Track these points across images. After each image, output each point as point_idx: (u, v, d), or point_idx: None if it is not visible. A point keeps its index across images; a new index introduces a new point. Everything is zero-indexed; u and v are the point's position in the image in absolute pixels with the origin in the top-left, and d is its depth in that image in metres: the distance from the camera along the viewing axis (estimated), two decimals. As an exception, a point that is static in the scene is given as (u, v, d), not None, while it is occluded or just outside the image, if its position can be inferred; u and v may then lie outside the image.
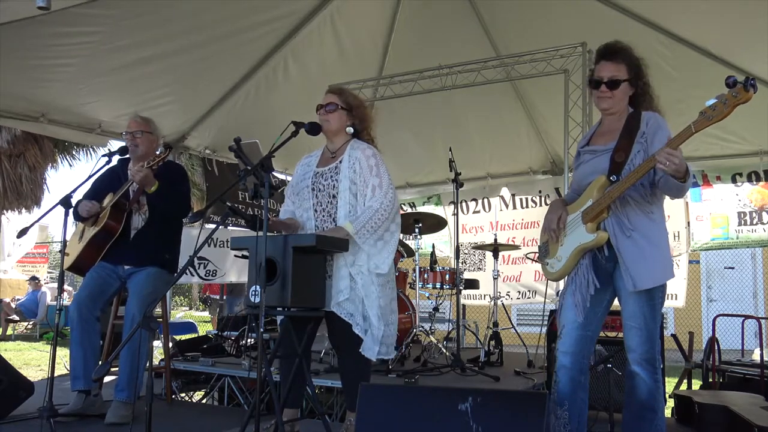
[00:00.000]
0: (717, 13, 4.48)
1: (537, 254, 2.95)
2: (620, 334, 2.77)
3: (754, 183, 6.08)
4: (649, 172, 2.39)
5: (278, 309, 2.72)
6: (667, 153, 2.19)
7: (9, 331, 11.93)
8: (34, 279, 12.92)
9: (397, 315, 3.06)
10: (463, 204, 7.35)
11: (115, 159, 3.68)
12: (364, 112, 3.10)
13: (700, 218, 6.39)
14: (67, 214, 3.28)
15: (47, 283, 14.48)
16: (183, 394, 4.52)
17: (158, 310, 4.29)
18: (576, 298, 2.56)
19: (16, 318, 12.06)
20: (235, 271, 6.53)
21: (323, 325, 3.10)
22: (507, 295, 7.00)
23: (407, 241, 6.44)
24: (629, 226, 2.47)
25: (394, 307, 3.03)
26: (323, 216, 2.98)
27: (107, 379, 3.86)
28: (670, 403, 4.11)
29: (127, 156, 3.66)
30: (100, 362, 3.50)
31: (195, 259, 2.99)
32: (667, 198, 2.57)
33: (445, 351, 4.64)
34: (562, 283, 5.35)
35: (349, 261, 2.88)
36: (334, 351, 4.01)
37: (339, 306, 2.87)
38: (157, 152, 3.70)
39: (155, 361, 4.64)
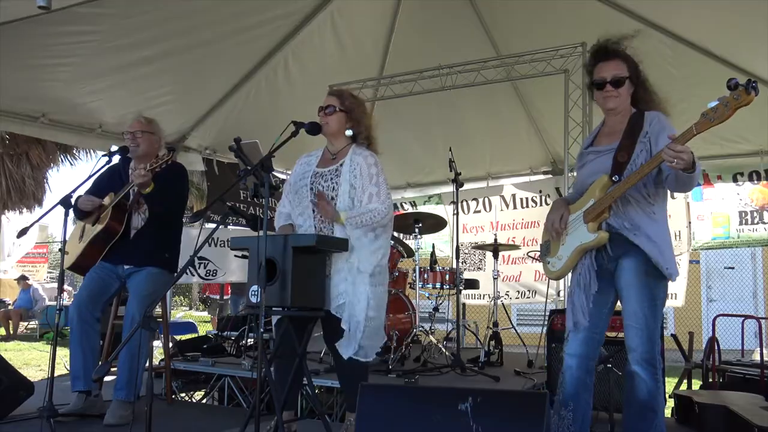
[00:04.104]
0: (718, 13, 4.48)
1: (538, 253, 2.95)
2: (620, 334, 2.77)
3: (755, 182, 6.07)
4: (651, 171, 2.39)
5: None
6: (675, 152, 2.16)
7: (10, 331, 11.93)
8: (22, 278, 12.75)
9: (383, 320, 3.00)
10: (464, 204, 7.35)
11: (116, 158, 3.68)
12: (363, 113, 3.11)
13: (701, 217, 6.38)
14: (67, 214, 3.29)
15: (47, 282, 14.45)
16: (183, 394, 4.52)
17: (158, 310, 4.29)
18: (581, 299, 2.57)
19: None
20: (235, 271, 6.53)
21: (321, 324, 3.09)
22: (507, 295, 6.99)
23: (407, 241, 6.43)
24: (631, 225, 2.47)
25: (381, 313, 2.97)
26: (320, 216, 2.98)
27: (107, 378, 3.85)
28: (670, 403, 4.11)
29: (129, 155, 3.66)
30: (100, 362, 3.50)
31: (195, 258, 2.99)
32: (668, 196, 2.57)
33: (445, 351, 4.64)
34: (562, 283, 5.36)
35: (347, 260, 2.89)
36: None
37: (337, 310, 2.88)
38: (160, 154, 3.70)
39: (155, 361, 4.64)
